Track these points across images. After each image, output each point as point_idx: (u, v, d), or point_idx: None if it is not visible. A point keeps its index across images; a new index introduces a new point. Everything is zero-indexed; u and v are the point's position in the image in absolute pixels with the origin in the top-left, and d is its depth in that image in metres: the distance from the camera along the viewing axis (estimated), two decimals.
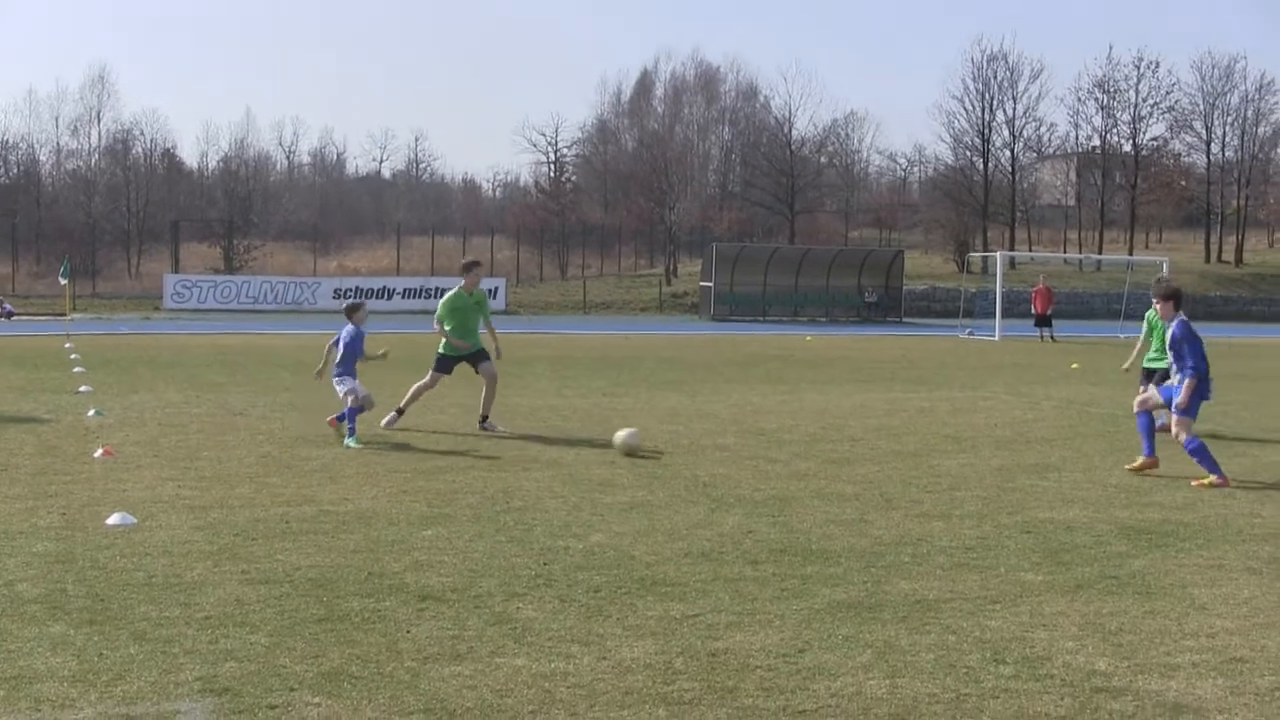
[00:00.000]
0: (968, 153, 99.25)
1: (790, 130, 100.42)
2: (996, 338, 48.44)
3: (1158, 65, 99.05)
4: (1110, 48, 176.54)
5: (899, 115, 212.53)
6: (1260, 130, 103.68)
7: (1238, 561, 10.17)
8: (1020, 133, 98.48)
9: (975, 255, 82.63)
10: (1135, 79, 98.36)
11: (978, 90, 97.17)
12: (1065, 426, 19.56)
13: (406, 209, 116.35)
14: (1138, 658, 7.55)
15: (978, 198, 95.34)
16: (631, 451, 15.53)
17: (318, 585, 8.98)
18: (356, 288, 65.29)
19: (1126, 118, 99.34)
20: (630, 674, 7.12)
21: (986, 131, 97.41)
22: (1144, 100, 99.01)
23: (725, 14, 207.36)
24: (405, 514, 11.60)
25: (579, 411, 20.49)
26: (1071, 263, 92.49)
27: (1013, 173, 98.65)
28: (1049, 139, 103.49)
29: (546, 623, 8.11)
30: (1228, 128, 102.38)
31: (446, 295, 18.46)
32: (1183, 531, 11.31)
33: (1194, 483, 14.01)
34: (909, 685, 6.99)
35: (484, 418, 18.08)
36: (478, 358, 18.33)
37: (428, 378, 18.33)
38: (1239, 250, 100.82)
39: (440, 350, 18.34)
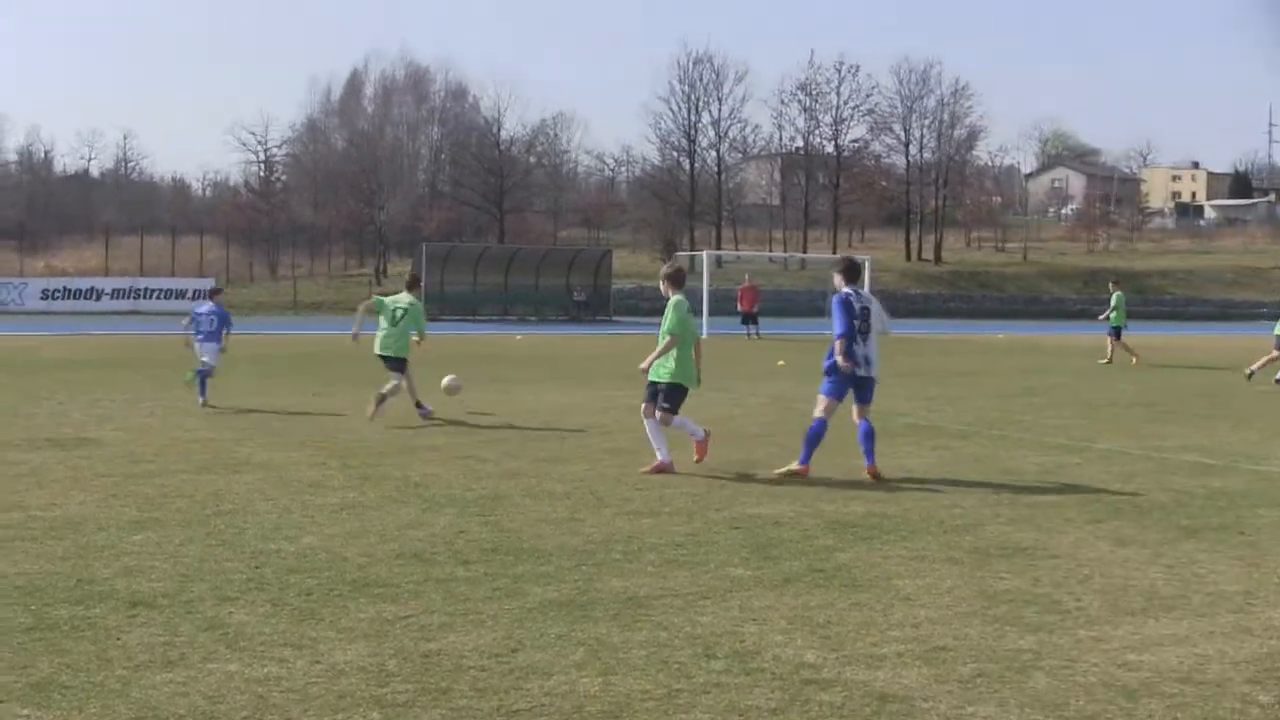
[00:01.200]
0: (675, 153, 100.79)
1: (499, 130, 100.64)
2: (703, 335, 49.11)
3: (858, 69, 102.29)
4: (812, 52, 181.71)
5: (607, 116, 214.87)
6: (956, 133, 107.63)
7: (939, 552, 10.47)
8: (726, 133, 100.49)
9: (682, 254, 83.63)
10: (837, 82, 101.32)
11: (684, 92, 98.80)
12: (772, 422, 19.93)
13: (115, 208, 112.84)
14: (845, 649, 7.70)
15: (685, 197, 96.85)
16: (452, 392, 19.53)
17: (25, 593, 8.68)
18: (64, 288, 63.72)
19: (829, 120, 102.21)
20: (344, 677, 7.02)
21: (693, 132, 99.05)
22: (845, 103, 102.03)
23: (434, 15, 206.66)
24: (115, 519, 11.28)
25: (287, 412, 20.19)
26: (777, 261, 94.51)
27: (719, 173, 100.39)
28: (754, 140, 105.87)
29: (259, 627, 7.94)
30: (925, 130, 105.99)
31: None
32: (886, 524, 11.59)
33: (775, 472, 14.50)
34: (622, 682, 7.02)
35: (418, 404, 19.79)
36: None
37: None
38: (938, 248, 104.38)
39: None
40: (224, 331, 22.21)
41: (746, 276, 53.60)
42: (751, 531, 11.16)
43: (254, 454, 15.51)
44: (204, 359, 21.69)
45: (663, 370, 15.37)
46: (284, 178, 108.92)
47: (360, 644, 7.62)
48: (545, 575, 9.42)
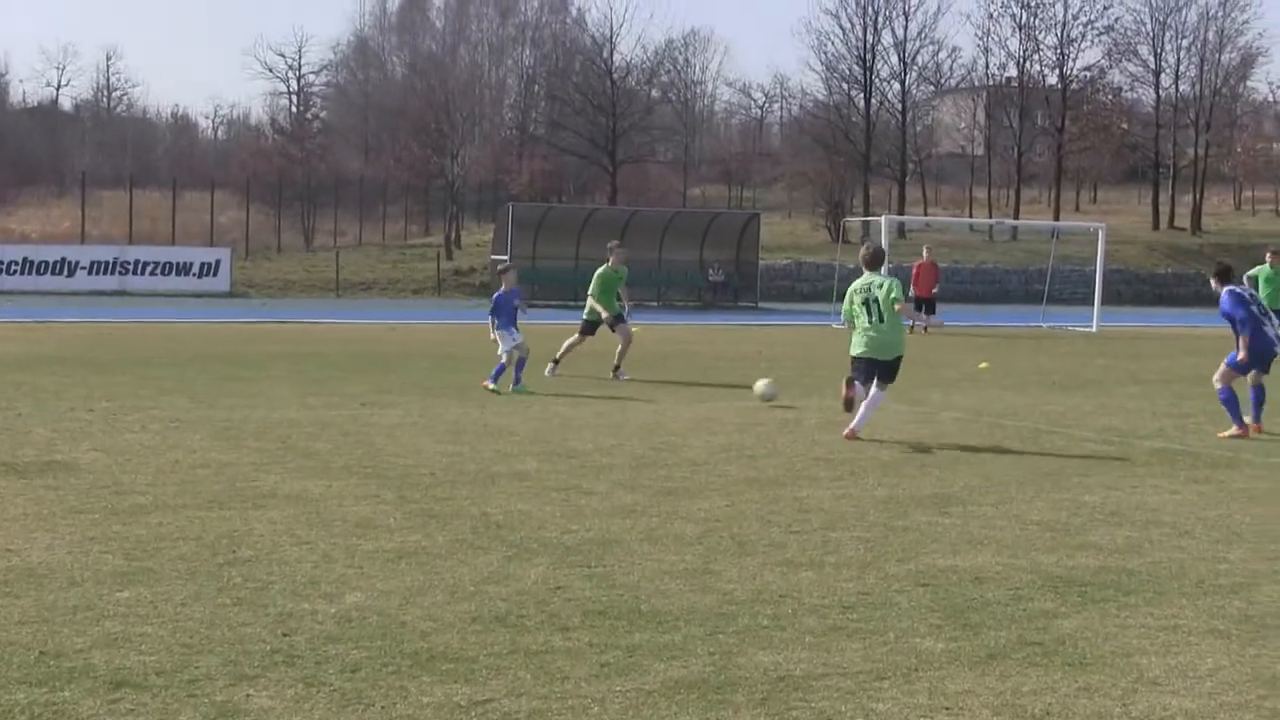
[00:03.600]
0: (844, 85, 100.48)
1: (612, 55, 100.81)
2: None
3: None
4: None
5: (755, 36, 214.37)
6: (1225, 57, 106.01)
7: (1198, 621, 10.36)
8: (913, 59, 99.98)
9: (854, 220, 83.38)
10: None
11: (859, 3, 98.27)
12: (970, 445, 19.83)
13: (94, 153, 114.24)
14: None
15: (857, 144, 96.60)
16: (769, 399, 23.10)
17: None
18: (25, 260, 63.76)
19: (1052, 41, 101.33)
20: None
21: (869, 57, 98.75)
22: (1075, 19, 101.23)
23: None
24: (93, 569, 11.34)
25: (330, 427, 20.34)
26: (979, 229, 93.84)
27: (903, 112, 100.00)
28: (951, 68, 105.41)
29: (287, 715, 8.00)
30: (1183, 54, 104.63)
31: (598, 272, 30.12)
32: (1126, 583, 11.50)
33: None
34: None
35: (616, 367, 29.33)
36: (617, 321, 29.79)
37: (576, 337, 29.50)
38: (1196, 214, 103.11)
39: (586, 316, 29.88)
40: (514, 316, 27.12)
41: (925, 250, 53.33)
42: (944, 590, 11.12)
43: (282, 483, 15.62)
44: (502, 350, 26.65)
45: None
46: (324, 115, 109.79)
47: None
48: (670, 647, 9.43)
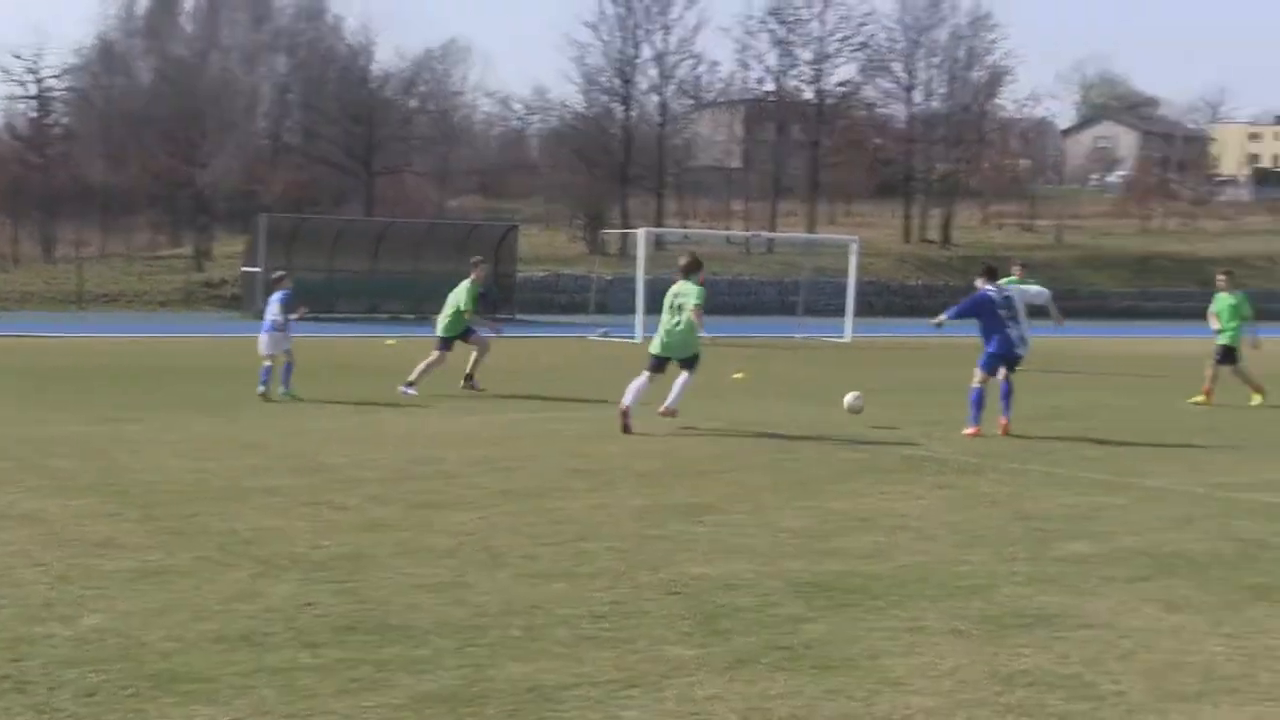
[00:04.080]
0: (604, 97, 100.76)
1: (369, 63, 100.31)
2: (639, 339, 49.09)
3: None
4: None
5: (515, 47, 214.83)
6: (974, 75, 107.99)
7: (940, 623, 10.57)
8: (673, 73, 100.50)
9: (611, 232, 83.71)
10: (820, 7, 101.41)
11: (618, 16, 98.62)
12: (725, 455, 20.01)
13: None
14: None
15: (616, 157, 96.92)
16: (856, 411, 24.10)
17: None
18: None
19: (808, 57, 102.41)
20: None
21: (629, 70, 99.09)
22: (831, 35, 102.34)
23: None
24: None
25: (69, 444, 20.01)
26: (736, 242, 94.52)
27: (661, 125, 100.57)
28: (710, 82, 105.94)
29: None
30: (934, 72, 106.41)
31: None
32: (872, 587, 11.69)
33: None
34: None
35: (470, 376, 29.47)
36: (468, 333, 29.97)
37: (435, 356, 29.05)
38: (946, 227, 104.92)
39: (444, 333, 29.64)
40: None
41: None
42: (696, 598, 11.20)
43: (17, 502, 15.30)
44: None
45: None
46: (65, 121, 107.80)
47: None
48: (420, 661, 9.42)
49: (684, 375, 23.58)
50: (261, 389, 27.21)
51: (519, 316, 67.66)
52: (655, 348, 23.95)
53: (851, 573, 12.23)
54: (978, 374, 23.54)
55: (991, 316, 23.65)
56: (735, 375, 33.66)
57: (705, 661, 9.47)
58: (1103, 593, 11.69)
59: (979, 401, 23.08)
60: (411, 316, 65.34)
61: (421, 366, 28.65)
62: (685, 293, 23.59)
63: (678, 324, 23.50)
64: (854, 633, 10.26)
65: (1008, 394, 23.49)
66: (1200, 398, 29.61)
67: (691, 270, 24.01)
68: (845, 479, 17.71)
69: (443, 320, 29.83)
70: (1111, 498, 16.66)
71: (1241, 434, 23.78)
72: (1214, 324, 31.51)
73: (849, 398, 24.96)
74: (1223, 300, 31.40)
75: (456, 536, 13.65)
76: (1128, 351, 48.18)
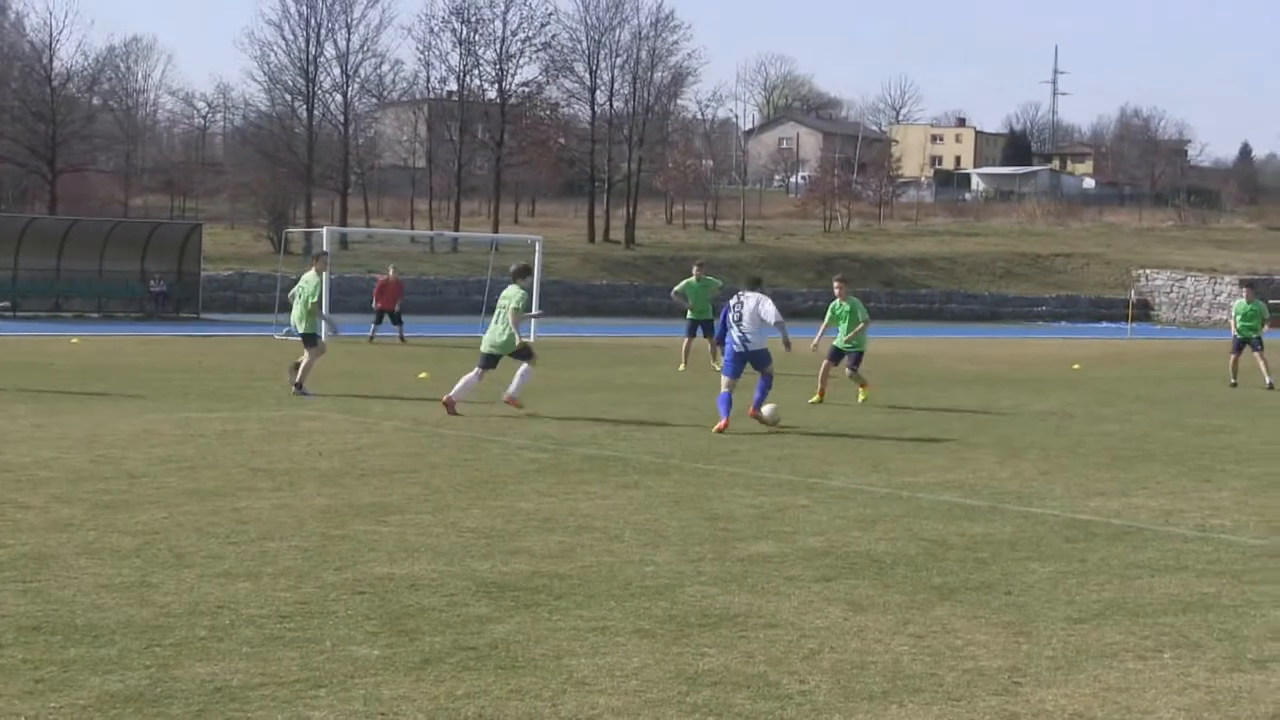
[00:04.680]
0: (287, 96, 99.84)
1: (52, 61, 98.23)
2: (324, 337, 48.77)
3: None
4: None
5: (198, 45, 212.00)
6: (657, 76, 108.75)
7: (625, 622, 10.62)
8: (356, 71, 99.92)
9: (296, 231, 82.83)
10: (503, 7, 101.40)
11: (301, 14, 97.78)
12: (412, 455, 19.96)
13: None
14: None
15: (300, 156, 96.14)
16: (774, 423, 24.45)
17: None
18: None
19: (491, 56, 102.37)
20: None
21: (313, 69, 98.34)
22: (514, 35, 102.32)
23: None
24: None
25: None
26: (421, 241, 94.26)
27: (345, 124, 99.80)
28: (394, 81, 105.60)
29: None
30: (617, 72, 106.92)
31: None
32: (557, 587, 11.73)
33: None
34: None
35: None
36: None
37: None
38: (630, 226, 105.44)
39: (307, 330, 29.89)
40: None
41: (391, 269, 53.76)
42: (381, 598, 11.18)
43: None
44: None
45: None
46: None
47: None
48: (106, 661, 9.29)
49: (524, 366, 26.10)
50: None
51: (203, 315, 66.88)
52: (485, 346, 26.43)
53: (537, 572, 12.27)
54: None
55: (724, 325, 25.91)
56: (420, 375, 33.58)
57: (392, 661, 9.45)
58: (787, 592, 11.79)
59: (724, 401, 24.35)
60: (96, 314, 64.32)
61: (304, 366, 28.97)
62: (509, 295, 26.33)
63: (500, 324, 26.31)
64: (540, 632, 10.29)
65: (762, 386, 24.97)
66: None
67: (520, 275, 27.01)
68: (530, 479, 17.75)
69: (297, 317, 30.21)
70: (795, 498, 16.83)
71: (927, 431, 24.19)
72: (1233, 327, 38.57)
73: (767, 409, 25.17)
74: (1242, 306, 38.58)
75: (141, 536, 13.47)
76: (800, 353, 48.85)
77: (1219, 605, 11.77)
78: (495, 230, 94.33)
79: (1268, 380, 36.61)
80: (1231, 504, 17.28)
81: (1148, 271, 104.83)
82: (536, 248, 57.04)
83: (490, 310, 27.62)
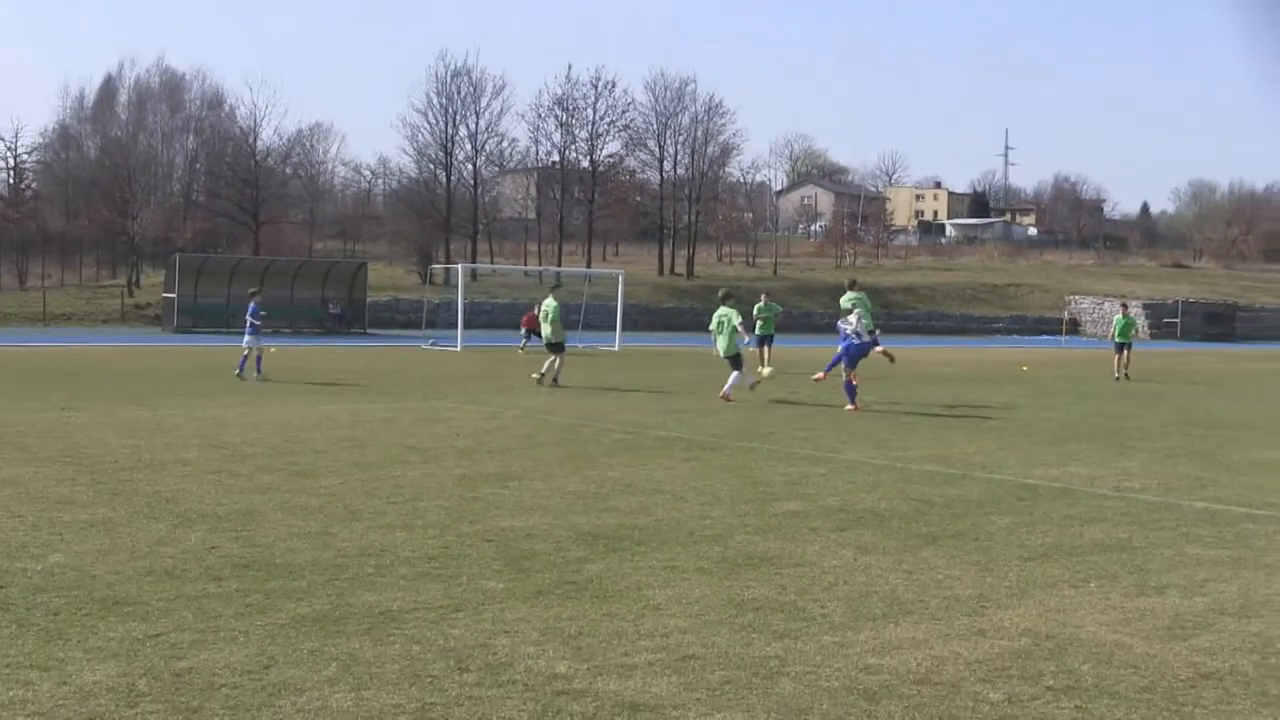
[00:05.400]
0: (431, 166, 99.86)
1: (255, 140, 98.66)
2: (459, 348, 48.93)
3: (614, 85, 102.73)
4: (569, 66, 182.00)
5: (364, 128, 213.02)
6: (709, 149, 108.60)
7: (689, 562, 10.61)
8: (483, 147, 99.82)
9: (438, 267, 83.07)
10: (593, 98, 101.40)
11: (441, 104, 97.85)
12: (525, 435, 19.95)
13: None
14: (596, 659, 7.78)
15: (441, 210, 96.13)
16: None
17: None
18: None
19: (585, 135, 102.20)
20: (92, 698, 6.86)
21: (450, 145, 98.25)
22: (601, 118, 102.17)
23: (191, 22, 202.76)
24: None
25: (36, 426, 19.56)
26: (532, 275, 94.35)
27: (475, 186, 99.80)
28: (510, 154, 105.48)
29: (3, 649, 7.71)
30: (679, 146, 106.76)
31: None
32: (637, 535, 11.71)
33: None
34: (375, 697, 6.99)
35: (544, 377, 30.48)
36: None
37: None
38: (690, 263, 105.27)
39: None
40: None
41: (537, 305, 53.81)
42: (504, 544, 11.17)
43: None
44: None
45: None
46: (34, 185, 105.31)
47: (109, 664, 7.46)
48: (297, 591, 9.32)
49: (735, 372, 27.01)
50: (238, 372, 30.57)
51: (369, 331, 67.05)
52: (721, 353, 27.47)
53: (622, 525, 12.25)
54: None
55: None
56: (533, 375, 33.64)
57: (513, 592, 9.45)
58: (811, 540, 11.77)
59: (848, 388, 25.65)
60: (288, 331, 64.61)
61: (557, 367, 30.70)
62: (728, 314, 27.19)
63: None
64: (624, 570, 10.28)
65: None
66: None
67: (727, 299, 27.67)
68: (616, 454, 17.72)
69: (549, 333, 31.51)
70: (816, 468, 16.75)
71: (914, 418, 24.10)
72: (1113, 335, 41.42)
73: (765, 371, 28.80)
74: (1119, 321, 41.74)
75: (323, 497, 13.51)
76: (818, 359, 48.69)
77: (1130, 547, 11.84)
78: (588, 266, 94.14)
79: (1126, 374, 39.40)
80: (1139, 470, 17.30)
81: (1076, 297, 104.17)
82: (619, 280, 57.17)
83: (713, 327, 27.92)
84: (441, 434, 19.82)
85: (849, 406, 25.40)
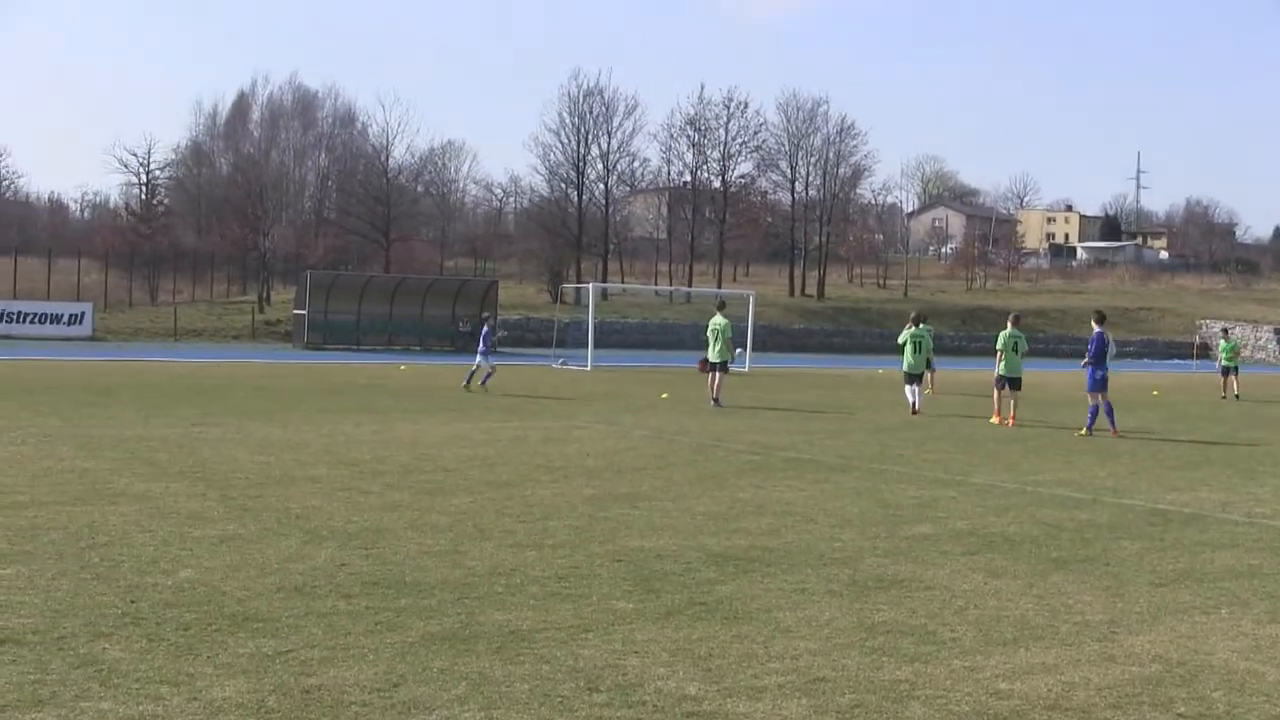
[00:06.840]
0: (563, 185, 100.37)
1: (387, 158, 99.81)
2: (589, 367, 49.10)
3: (746, 106, 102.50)
4: (702, 86, 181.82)
5: (496, 147, 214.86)
6: (841, 171, 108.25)
7: (819, 585, 10.55)
8: (614, 167, 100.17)
9: (569, 286, 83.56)
10: (725, 118, 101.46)
11: (573, 124, 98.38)
12: (655, 456, 19.96)
13: None
14: (726, 681, 7.75)
15: (572, 229, 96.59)
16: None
17: None
18: None
19: (716, 155, 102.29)
20: (221, 714, 6.94)
21: (581, 165, 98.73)
22: (733, 139, 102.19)
23: (324, 39, 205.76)
24: None
25: (167, 442, 19.88)
26: (662, 294, 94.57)
27: (606, 205, 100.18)
28: (642, 174, 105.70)
29: (134, 663, 7.82)
30: (811, 167, 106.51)
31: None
32: (767, 557, 11.67)
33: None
34: (504, 716, 7.01)
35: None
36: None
37: None
38: (821, 284, 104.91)
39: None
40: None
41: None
42: (634, 564, 11.18)
43: (131, 485, 15.24)
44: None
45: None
46: (166, 201, 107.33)
47: (239, 680, 7.54)
48: (427, 609, 9.38)
49: (913, 386, 29.81)
50: (465, 383, 34.26)
51: (500, 349, 67.51)
52: (906, 369, 30.37)
53: (752, 546, 12.22)
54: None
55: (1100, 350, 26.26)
56: (662, 395, 33.65)
57: (643, 612, 9.45)
58: (941, 563, 11.68)
59: (1096, 412, 25.79)
60: (418, 348, 65.17)
61: (719, 385, 31.42)
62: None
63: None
64: (754, 591, 10.24)
65: (1109, 410, 25.83)
66: None
67: (918, 321, 31.30)
68: (746, 475, 17.69)
69: (717, 351, 32.09)
70: (946, 491, 16.65)
71: (1045, 441, 23.83)
72: (1219, 360, 44.32)
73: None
74: (1224, 345, 44.17)
75: (453, 515, 13.59)
76: (955, 380, 48.28)
77: (1262, 573, 11.75)
78: (719, 286, 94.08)
79: (1237, 395, 42.07)
80: (1271, 497, 17.17)
81: (1207, 321, 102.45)
82: (750, 301, 56.96)
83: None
84: (571, 453, 19.88)
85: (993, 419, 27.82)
